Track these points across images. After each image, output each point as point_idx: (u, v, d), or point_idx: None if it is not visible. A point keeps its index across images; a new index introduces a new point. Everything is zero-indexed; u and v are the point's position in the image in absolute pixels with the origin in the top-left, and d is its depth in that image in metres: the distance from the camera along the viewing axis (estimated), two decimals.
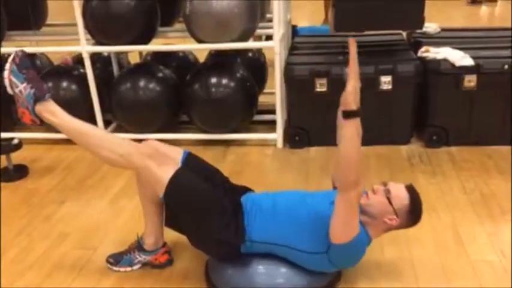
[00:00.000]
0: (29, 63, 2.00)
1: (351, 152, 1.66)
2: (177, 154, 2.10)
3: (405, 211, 1.89)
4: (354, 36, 1.83)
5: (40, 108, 1.98)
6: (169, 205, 2.02)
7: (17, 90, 1.96)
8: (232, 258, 2.00)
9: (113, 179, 3.05)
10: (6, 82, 1.96)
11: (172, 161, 2.02)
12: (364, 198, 1.89)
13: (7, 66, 1.96)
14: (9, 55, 2.02)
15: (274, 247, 1.95)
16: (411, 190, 1.93)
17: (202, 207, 1.95)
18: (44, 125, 2.05)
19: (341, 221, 1.75)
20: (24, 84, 1.96)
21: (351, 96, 1.65)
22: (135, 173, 2.15)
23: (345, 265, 2.00)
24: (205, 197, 1.96)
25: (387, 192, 1.88)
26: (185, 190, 1.95)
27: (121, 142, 2.02)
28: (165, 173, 1.93)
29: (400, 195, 1.89)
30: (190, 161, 2.09)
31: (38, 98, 1.97)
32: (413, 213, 1.91)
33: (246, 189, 2.16)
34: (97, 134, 2.04)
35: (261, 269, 1.99)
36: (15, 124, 3.75)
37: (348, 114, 1.65)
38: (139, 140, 2.19)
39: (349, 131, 1.65)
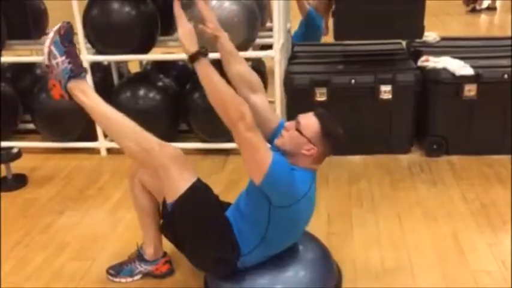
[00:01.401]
0: (72, 37, 1.93)
1: (215, 91, 1.67)
2: None
3: (319, 137, 1.82)
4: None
5: (73, 85, 1.90)
6: (173, 214, 1.93)
7: (54, 62, 1.89)
8: (229, 274, 1.98)
9: (112, 189, 3.04)
10: (46, 50, 1.88)
11: (192, 170, 1.96)
12: (279, 139, 1.87)
13: (50, 35, 1.88)
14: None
15: (259, 248, 1.91)
16: (320, 115, 1.86)
17: (208, 224, 1.91)
18: (72, 102, 1.96)
19: (248, 159, 1.72)
20: (63, 58, 1.89)
21: (184, 39, 1.68)
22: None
23: (289, 198, 1.81)
24: (214, 214, 1.94)
25: (297, 125, 1.84)
26: (198, 204, 1.91)
27: (149, 137, 1.93)
28: (183, 180, 1.89)
29: (309, 123, 1.83)
30: None
31: (73, 75, 1.90)
32: (329, 137, 1.84)
33: (228, 205, 2.11)
34: (126, 123, 1.94)
35: (260, 281, 1.97)
36: (14, 133, 3.75)
37: (191, 58, 1.68)
38: None
39: (202, 72, 1.68)
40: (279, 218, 1.84)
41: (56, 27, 1.89)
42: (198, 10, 1.91)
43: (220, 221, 1.93)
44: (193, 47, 1.67)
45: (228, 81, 1.85)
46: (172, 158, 1.90)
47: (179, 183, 1.89)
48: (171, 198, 1.91)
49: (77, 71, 1.91)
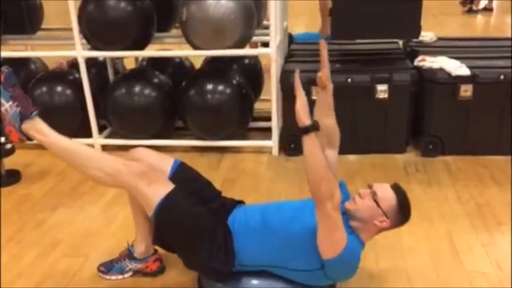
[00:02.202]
0: (15, 80, 1.97)
1: (316, 166, 1.66)
2: (167, 165, 2.06)
3: (394, 211, 1.86)
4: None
5: (27, 126, 1.95)
6: (158, 226, 1.97)
7: (2, 109, 1.94)
8: (223, 279, 1.98)
9: (106, 187, 3.01)
10: None
11: (163, 178, 1.97)
12: (351, 204, 1.88)
13: None
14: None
15: (267, 268, 1.93)
16: (397, 189, 1.90)
17: (192, 233, 1.90)
18: (31, 141, 2.02)
19: (325, 236, 1.72)
20: (10, 103, 1.93)
21: (301, 112, 1.68)
22: None
23: (343, 277, 1.95)
24: (195, 222, 1.92)
25: (374, 195, 1.86)
26: (176, 215, 1.91)
27: (110, 161, 1.96)
28: (155, 193, 1.89)
29: (386, 196, 1.86)
30: (181, 173, 2.05)
31: (24, 117, 1.94)
32: (402, 212, 1.88)
33: (235, 203, 2.11)
34: (85, 152, 1.97)
35: (255, 281, 1.96)
36: None
37: (303, 130, 1.67)
38: (134, 146, 2.18)
39: (309, 145, 1.67)
40: (314, 276, 1.86)
41: None
42: (320, 55, 1.94)
43: (207, 228, 1.91)
44: (308, 120, 1.68)
45: None
46: (139, 175, 1.90)
47: (152, 196, 1.89)
48: (149, 212, 1.92)
49: (26, 113, 1.95)
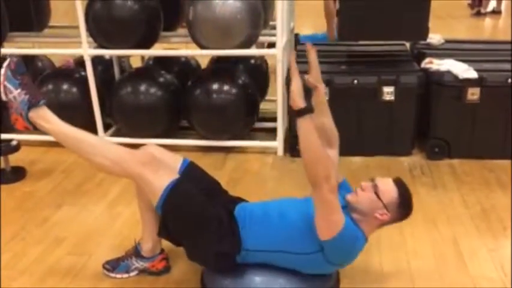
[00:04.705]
0: (24, 68, 1.98)
1: (310, 148, 1.70)
2: (176, 162, 2.07)
3: (395, 205, 1.86)
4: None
5: (34, 114, 1.96)
6: (164, 215, 1.97)
7: (10, 96, 1.94)
8: (228, 269, 1.98)
9: (111, 185, 3.02)
10: (1, 88, 1.94)
11: (168, 169, 1.99)
12: (353, 196, 1.89)
13: (2, 71, 1.94)
14: (10, 56, 2.00)
15: (270, 254, 1.93)
16: (399, 183, 1.90)
17: (199, 219, 1.92)
18: (37, 131, 2.03)
19: (321, 217, 1.75)
20: (19, 90, 1.94)
21: (295, 94, 1.70)
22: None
23: (342, 261, 1.93)
24: (202, 208, 1.93)
25: (375, 188, 1.87)
26: (182, 202, 1.92)
27: (116, 149, 1.98)
28: (160, 181, 1.90)
29: (388, 189, 1.87)
30: (190, 171, 2.07)
31: (32, 105, 1.94)
32: (403, 206, 1.89)
33: (240, 200, 2.14)
34: (91, 140, 2.00)
35: (258, 279, 1.96)
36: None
37: (298, 113, 1.69)
38: (139, 145, 2.17)
39: (303, 128, 1.70)
40: (315, 260, 1.87)
41: (6, 63, 1.94)
42: (308, 57, 1.98)
43: (214, 214, 1.93)
44: (303, 103, 1.70)
45: None
46: (145, 163, 1.92)
47: (158, 183, 1.90)
48: (154, 202, 1.93)
49: (34, 101, 1.95)
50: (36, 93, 1.97)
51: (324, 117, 2.04)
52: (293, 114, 1.71)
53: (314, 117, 1.94)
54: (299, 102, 1.69)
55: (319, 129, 1.92)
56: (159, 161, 1.98)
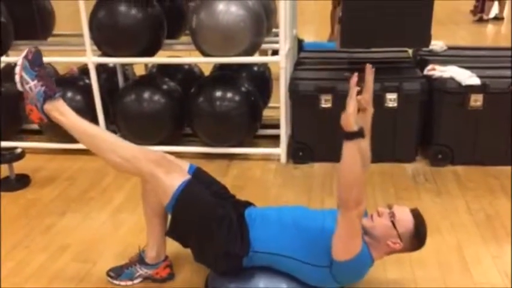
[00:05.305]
0: (41, 60, 1.97)
1: (351, 171, 1.68)
2: (184, 165, 2.08)
3: (409, 236, 1.88)
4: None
5: (49, 107, 1.95)
6: (175, 215, 1.97)
7: (27, 87, 1.94)
8: (234, 271, 1.98)
9: (115, 192, 3.03)
10: (17, 78, 1.93)
11: (180, 169, 2.00)
12: (368, 221, 1.90)
13: (19, 61, 1.93)
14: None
15: (277, 258, 1.93)
16: (416, 215, 1.91)
17: (210, 219, 1.92)
18: (51, 123, 2.02)
19: (342, 239, 1.75)
20: (35, 82, 1.93)
21: (351, 117, 1.68)
22: (139, 184, 2.13)
23: (346, 282, 1.96)
24: (213, 209, 1.94)
25: (392, 216, 1.87)
26: (194, 201, 1.93)
27: (129, 147, 1.99)
28: (173, 181, 1.91)
29: (404, 219, 1.88)
30: (198, 175, 2.08)
31: (48, 97, 1.94)
32: (417, 238, 1.90)
33: (249, 203, 2.15)
34: (105, 137, 2.00)
35: (262, 283, 1.96)
36: (18, 133, 3.75)
37: (348, 135, 1.68)
38: None
39: (350, 151, 1.68)
40: (321, 274, 1.87)
41: (24, 53, 1.94)
42: (366, 78, 1.97)
43: (225, 215, 1.94)
44: (356, 126, 1.69)
45: None
46: (157, 163, 1.93)
47: (170, 183, 1.91)
48: (165, 201, 1.93)
49: (50, 93, 1.95)
50: (52, 85, 1.97)
51: (366, 141, 2.02)
52: (343, 136, 1.70)
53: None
54: (352, 125, 1.68)
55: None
56: (170, 162, 1.99)
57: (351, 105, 1.71)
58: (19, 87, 1.95)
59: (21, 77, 1.93)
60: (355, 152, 1.68)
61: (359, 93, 1.85)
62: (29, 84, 1.93)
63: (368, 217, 1.92)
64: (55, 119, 1.97)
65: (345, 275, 1.87)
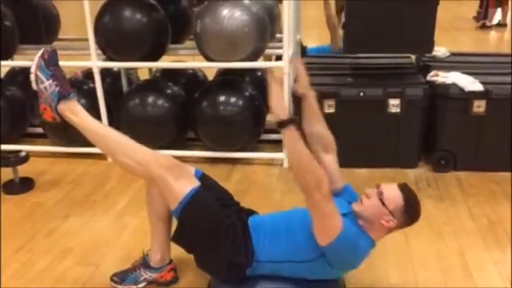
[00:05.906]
0: (57, 60, 1.98)
1: (297, 158, 1.72)
2: (191, 170, 2.09)
3: (401, 211, 1.85)
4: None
5: (63, 107, 1.95)
6: (181, 221, 1.97)
7: (41, 86, 1.94)
8: (237, 280, 1.98)
9: (118, 195, 3.04)
10: (32, 77, 1.94)
11: (189, 175, 2.01)
12: (358, 205, 1.89)
13: (35, 61, 1.93)
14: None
15: (277, 265, 1.93)
16: (404, 189, 1.88)
17: (216, 228, 1.93)
18: (65, 123, 2.02)
19: (317, 224, 1.76)
20: (50, 81, 1.93)
21: (276, 107, 1.73)
22: (142, 187, 2.13)
23: (344, 264, 1.91)
24: (220, 218, 1.95)
25: (380, 194, 1.86)
26: (203, 210, 1.94)
27: (141, 149, 1.99)
28: (182, 187, 1.92)
29: (393, 195, 1.86)
30: (204, 180, 2.08)
31: (62, 97, 1.94)
32: (409, 212, 1.87)
33: (251, 212, 2.15)
34: (117, 138, 2.00)
35: None
36: (22, 136, 3.77)
37: (280, 125, 1.72)
38: None
39: (287, 139, 1.73)
40: (318, 266, 1.87)
41: (40, 53, 1.94)
42: (295, 67, 2.02)
43: (230, 224, 1.94)
44: (285, 115, 1.72)
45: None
46: (168, 168, 1.94)
47: (179, 189, 1.92)
48: (173, 206, 1.94)
49: (65, 93, 1.95)
50: (67, 85, 1.97)
51: (317, 124, 2.06)
52: (277, 127, 1.73)
53: (307, 125, 2.02)
54: (280, 114, 1.71)
55: (313, 136, 1.97)
56: (181, 168, 2.00)
57: (272, 100, 1.75)
58: (34, 86, 1.96)
59: (36, 76, 1.93)
60: (293, 138, 1.71)
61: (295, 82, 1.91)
62: (44, 84, 1.93)
63: (358, 202, 1.91)
64: (68, 119, 1.97)
65: (339, 259, 1.84)
